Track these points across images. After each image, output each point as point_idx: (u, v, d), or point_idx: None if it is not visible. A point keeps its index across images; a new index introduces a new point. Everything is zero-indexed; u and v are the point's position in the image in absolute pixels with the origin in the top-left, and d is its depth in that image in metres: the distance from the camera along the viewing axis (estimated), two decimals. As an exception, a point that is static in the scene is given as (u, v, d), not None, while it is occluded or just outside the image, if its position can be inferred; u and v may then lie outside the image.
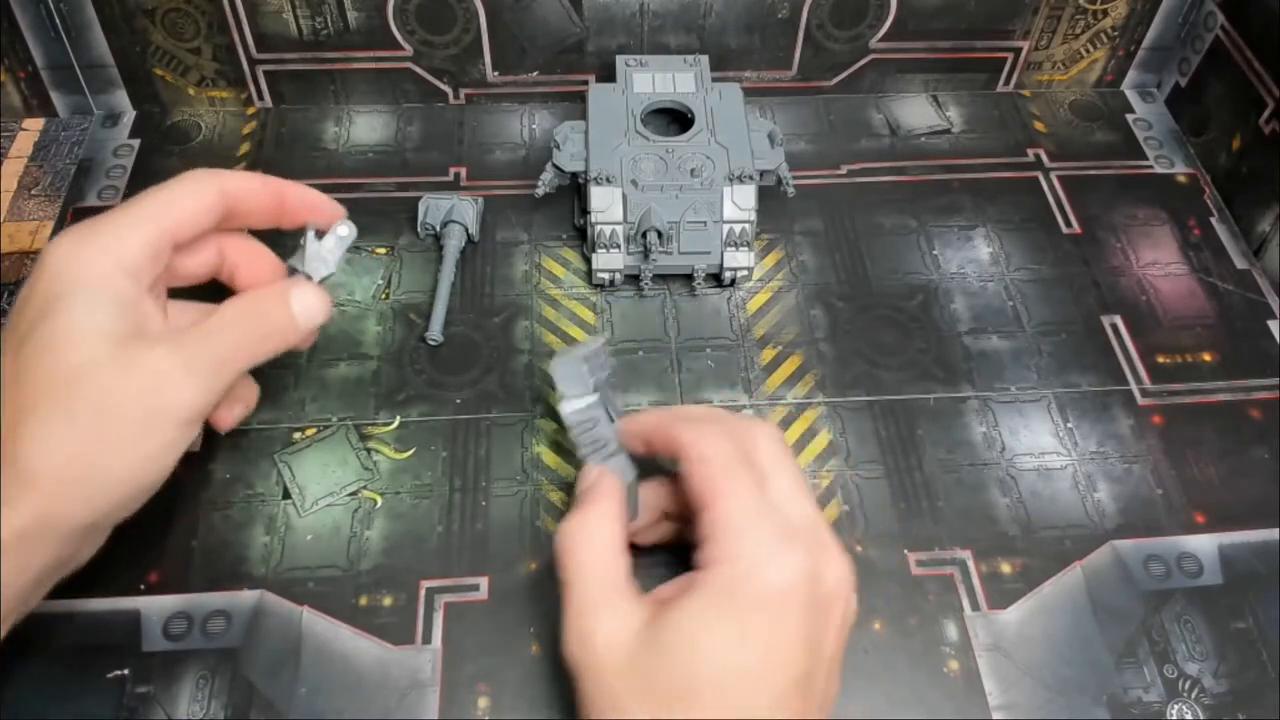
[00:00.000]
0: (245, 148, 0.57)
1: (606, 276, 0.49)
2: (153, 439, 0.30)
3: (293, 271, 0.38)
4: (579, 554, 0.32)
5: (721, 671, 0.29)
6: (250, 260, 0.38)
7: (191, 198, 0.33)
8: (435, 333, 0.47)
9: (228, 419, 0.39)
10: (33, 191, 0.54)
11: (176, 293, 0.38)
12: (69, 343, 0.29)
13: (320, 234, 0.38)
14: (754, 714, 0.28)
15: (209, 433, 0.43)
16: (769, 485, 0.32)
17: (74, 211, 0.53)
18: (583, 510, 0.33)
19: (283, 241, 0.39)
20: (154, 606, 0.39)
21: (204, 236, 0.35)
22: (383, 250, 0.52)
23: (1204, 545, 0.42)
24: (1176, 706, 0.38)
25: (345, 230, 0.38)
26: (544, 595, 0.40)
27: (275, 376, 0.46)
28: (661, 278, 0.50)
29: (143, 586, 0.39)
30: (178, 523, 0.41)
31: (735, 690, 0.28)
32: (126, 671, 0.37)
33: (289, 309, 0.34)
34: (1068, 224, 0.55)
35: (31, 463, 0.28)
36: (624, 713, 0.29)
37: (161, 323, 0.32)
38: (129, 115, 0.58)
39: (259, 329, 0.33)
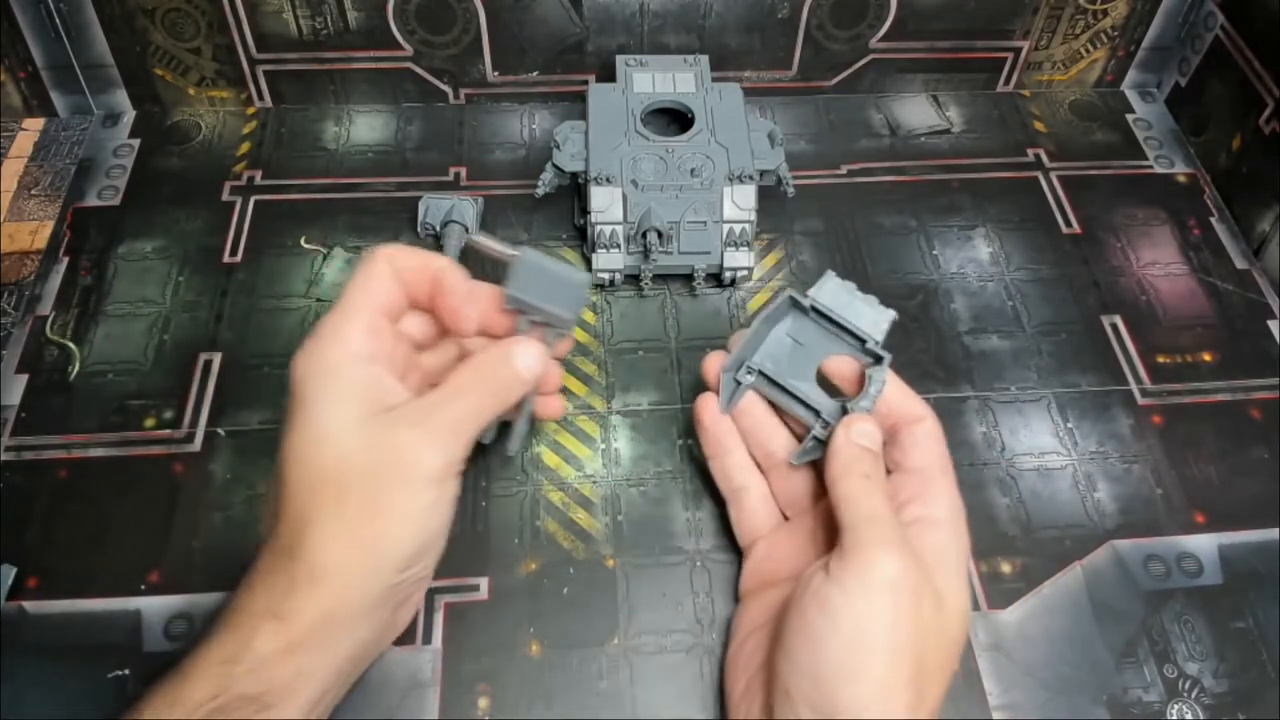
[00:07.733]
0: (245, 147, 0.57)
1: (606, 276, 0.49)
2: (411, 507, 0.32)
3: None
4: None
5: None
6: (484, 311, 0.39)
7: (373, 274, 0.35)
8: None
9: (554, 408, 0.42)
10: (33, 191, 0.54)
11: None
12: (322, 443, 0.32)
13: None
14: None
15: (209, 434, 0.44)
16: None
17: (74, 211, 0.53)
18: None
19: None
20: (155, 607, 0.39)
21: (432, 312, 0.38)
22: (383, 250, 0.52)
23: (1204, 545, 0.42)
24: (1176, 706, 0.38)
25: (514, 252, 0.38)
26: (544, 595, 0.40)
27: (276, 376, 0.46)
28: (661, 278, 0.50)
29: (143, 587, 0.39)
30: (179, 523, 0.41)
31: None
32: (127, 671, 0.37)
33: (514, 367, 0.36)
34: (1068, 224, 0.55)
35: (319, 561, 0.31)
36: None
37: (402, 392, 0.34)
38: (129, 115, 0.58)
39: (489, 389, 0.35)
